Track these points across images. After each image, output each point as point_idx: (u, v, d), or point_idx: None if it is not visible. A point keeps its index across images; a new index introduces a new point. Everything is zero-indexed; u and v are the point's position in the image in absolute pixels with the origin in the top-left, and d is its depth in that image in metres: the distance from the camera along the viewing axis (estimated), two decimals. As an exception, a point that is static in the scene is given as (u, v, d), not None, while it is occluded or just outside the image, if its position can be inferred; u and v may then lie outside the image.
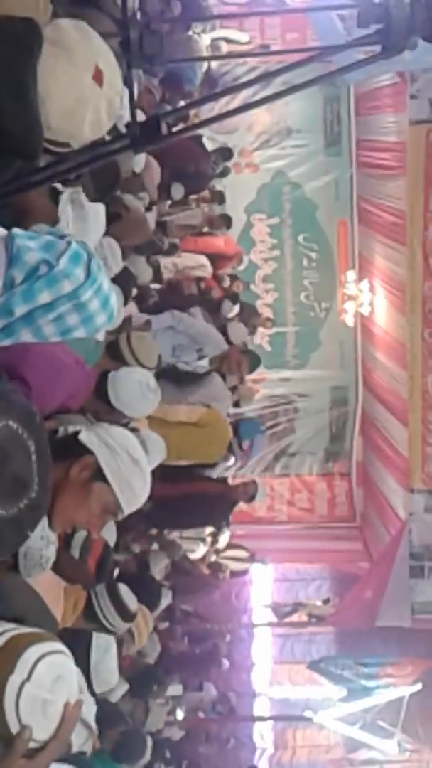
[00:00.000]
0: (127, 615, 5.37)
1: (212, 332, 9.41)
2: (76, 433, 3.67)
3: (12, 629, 2.46)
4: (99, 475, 3.57)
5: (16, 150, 2.65)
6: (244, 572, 16.77)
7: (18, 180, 2.84)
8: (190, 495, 7.88)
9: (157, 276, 10.24)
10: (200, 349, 9.06)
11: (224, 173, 14.14)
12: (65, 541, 5.14)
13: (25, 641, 2.36)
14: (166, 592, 9.14)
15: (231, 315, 12.14)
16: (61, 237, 2.93)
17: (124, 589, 5.45)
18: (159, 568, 8.96)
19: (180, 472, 6.94)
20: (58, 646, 2.43)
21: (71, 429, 4.00)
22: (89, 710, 4.48)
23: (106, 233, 5.56)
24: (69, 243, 2.87)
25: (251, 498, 9.52)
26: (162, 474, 5.73)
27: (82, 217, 4.47)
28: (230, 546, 15.64)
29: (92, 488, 3.56)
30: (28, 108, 2.67)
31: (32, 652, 2.34)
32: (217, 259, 13.33)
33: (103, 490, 3.56)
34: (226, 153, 14.23)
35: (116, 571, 7.50)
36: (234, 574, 16.02)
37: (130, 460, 3.64)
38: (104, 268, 5.85)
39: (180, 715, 13.07)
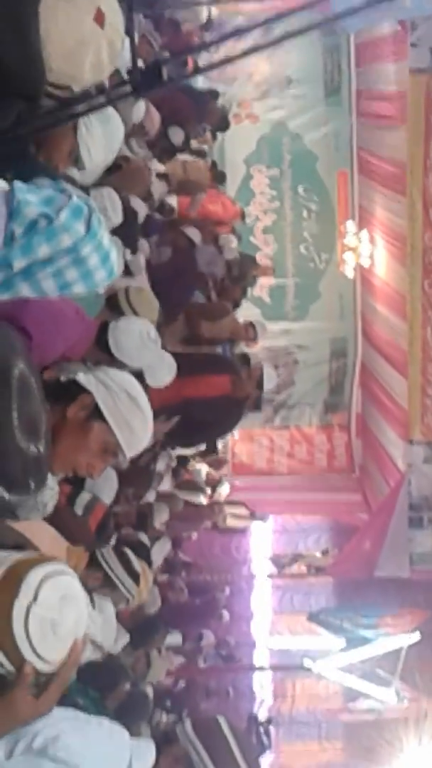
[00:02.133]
0: (137, 578, 5.48)
1: None
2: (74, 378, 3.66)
3: (12, 555, 2.46)
4: (97, 414, 3.54)
5: (19, 90, 2.62)
6: (244, 529, 16.85)
7: (20, 125, 2.82)
8: (192, 401, 7.74)
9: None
10: None
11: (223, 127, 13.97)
12: (69, 500, 5.17)
13: (27, 565, 2.36)
14: (165, 542, 9.17)
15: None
16: (63, 191, 2.92)
17: (132, 555, 5.53)
18: (160, 521, 8.98)
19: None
20: (61, 566, 2.43)
21: (71, 375, 4.00)
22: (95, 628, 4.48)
23: (106, 183, 5.53)
24: (70, 197, 2.86)
25: (259, 385, 9.36)
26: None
27: (103, 121, 4.45)
28: (230, 503, 15.71)
29: (90, 427, 3.53)
30: (29, 48, 2.65)
31: (35, 574, 2.34)
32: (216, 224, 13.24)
33: (102, 429, 3.53)
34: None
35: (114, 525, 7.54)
36: (234, 530, 16.12)
37: (128, 398, 3.61)
38: (104, 219, 5.85)
39: (178, 662, 13.16)
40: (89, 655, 4.07)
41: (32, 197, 2.82)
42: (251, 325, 10.04)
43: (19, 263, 2.77)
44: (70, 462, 3.55)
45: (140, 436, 3.65)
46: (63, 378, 3.82)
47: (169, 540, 9.39)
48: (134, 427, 3.59)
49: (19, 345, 2.04)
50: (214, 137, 13.93)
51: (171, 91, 9.44)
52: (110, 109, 4.25)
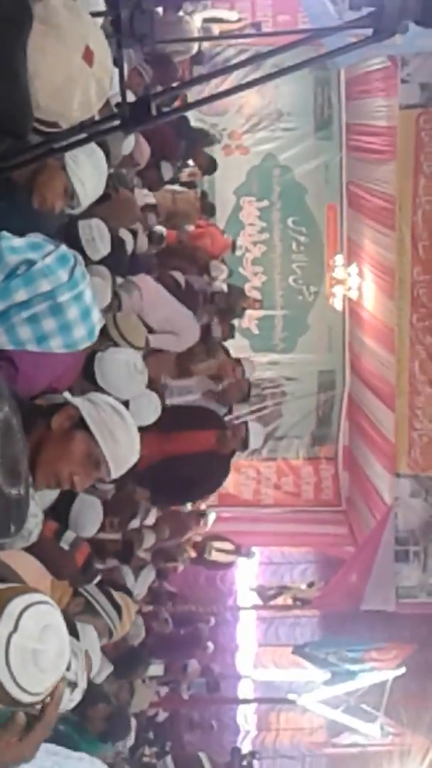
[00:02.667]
0: (119, 611, 5.51)
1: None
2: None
3: None
4: (81, 425, 3.55)
5: (5, 127, 2.63)
6: (229, 565, 16.79)
7: (8, 159, 2.82)
8: (176, 458, 7.73)
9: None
10: None
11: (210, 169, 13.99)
12: (56, 536, 5.16)
13: (7, 595, 2.34)
14: (149, 571, 9.13)
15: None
16: (52, 243, 2.92)
17: (113, 591, 5.55)
18: (146, 547, 8.94)
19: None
20: (42, 596, 2.41)
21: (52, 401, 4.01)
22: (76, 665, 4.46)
23: (94, 214, 5.55)
24: (58, 246, 2.86)
25: (244, 444, 9.24)
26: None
27: (88, 153, 4.48)
28: (216, 538, 15.67)
29: (73, 436, 3.55)
30: (17, 85, 2.66)
31: (16, 604, 2.31)
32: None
33: (85, 439, 3.55)
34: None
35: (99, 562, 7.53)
36: (220, 565, 16.07)
37: (112, 410, 3.63)
38: (92, 249, 5.85)
39: (163, 692, 13.10)
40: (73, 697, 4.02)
41: (18, 243, 2.82)
42: (238, 362, 9.98)
43: None
44: (53, 472, 3.53)
45: (125, 448, 3.64)
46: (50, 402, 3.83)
47: (153, 569, 9.35)
48: (118, 438, 3.58)
49: (3, 385, 2.04)
50: (204, 174, 13.96)
51: (158, 126, 9.49)
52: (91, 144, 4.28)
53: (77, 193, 4.63)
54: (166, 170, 10.12)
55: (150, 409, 6.11)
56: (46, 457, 3.50)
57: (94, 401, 3.66)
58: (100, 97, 2.99)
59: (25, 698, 2.31)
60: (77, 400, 3.63)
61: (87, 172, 4.61)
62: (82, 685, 3.63)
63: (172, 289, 9.27)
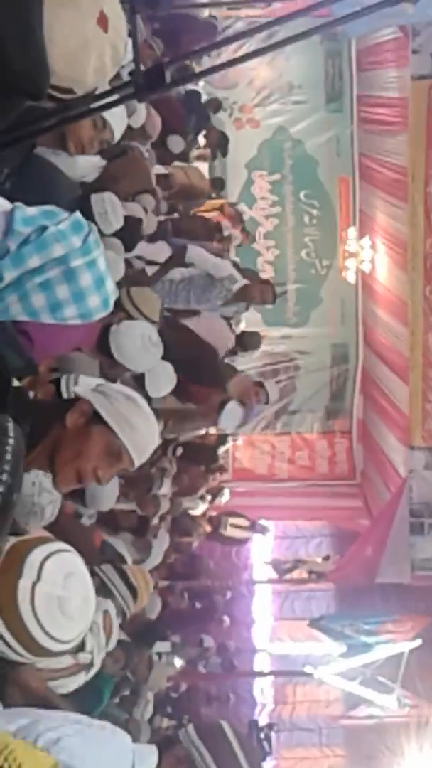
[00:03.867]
0: (135, 592, 5.50)
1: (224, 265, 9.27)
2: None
3: (11, 539, 2.44)
4: (96, 418, 3.52)
5: (23, 88, 2.60)
6: (244, 541, 16.81)
7: (24, 126, 2.80)
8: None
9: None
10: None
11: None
12: (76, 513, 5.16)
13: (28, 545, 2.34)
14: (163, 536, 9.10)
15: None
16: (68, 214, 2.91)
17: (130, 572, 5.56)
18: (161, 514, 8.93)
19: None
20: (62, 545, 2.41)
21: (72, 378, 4.00)
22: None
23: (109, 171, 5.53)
24: (72, 214, 2.84)
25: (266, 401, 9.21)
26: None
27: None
28: (231, 513, 15.68)
29: (91, 432, 3.51)
30: (34, 46, 2.63)
31: (37, 554, 2.32)
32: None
33: (103, 432, 3.51)
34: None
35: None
36: (235, 541, 16.09)
37: (126, 398, 3.60)
38: (105, 223, 5.84)
39: (178, 663, 13.13)
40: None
41: (32, 213, 2.80)
42: (260, 385, 9.68)
43: (9, 274, 2.74)
44: (75, 470, 3.50)
45: (144, 434, 3.61)
46: (63, 380, 3.82)
47: (167, 533, 9.32)
48: (136, 426, 3.55)
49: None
50: (214, 156, 13.89)
51: (167, 102, 9.45)
52: None
53: (108, 122, 4.68)
54: (175, 144, 10.06)
55: (165, 379, 6.10)
56: (66, 457, 3.48)
57: (106, 392, 3.62)
58: (114, 63, 2.96)
59: (56, 647, 2.31)
60: (89, 394, 3.59)
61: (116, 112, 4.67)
62: (99, 660, 3.63)
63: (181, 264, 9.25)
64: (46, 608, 2.29)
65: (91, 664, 3.43)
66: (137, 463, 3.59)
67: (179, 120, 10.46)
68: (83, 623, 2.38)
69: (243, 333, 11.12)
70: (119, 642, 7.37)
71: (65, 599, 2.32)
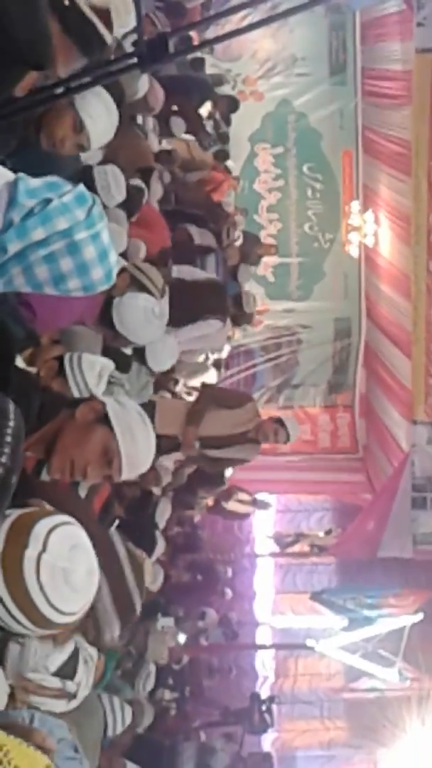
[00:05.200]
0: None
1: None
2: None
3: (15, 511, 2.45)
4: (104, 420, 3.60)
5: (26, 58, 2.60)
6: (246, 515, 16.85)
7: (28, 96, 2.80)
8: None
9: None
10: None
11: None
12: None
13: (33, 517, 2.36)
14: (165, 504, 9.10)
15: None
16: (71, 185, 2.90)
17: (131, 545, 5.55)
18: (162, 483, 8.92)
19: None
20: (67, 517, 2.43)
21: (75, 357, 4.02)
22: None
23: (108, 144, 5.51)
24: (76, 186, 2.84)
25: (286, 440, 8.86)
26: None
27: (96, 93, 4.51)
28: (233, 488, 15.70)
29: (95, 429, 3.60)
30: (36, 15, 2.62)
31: (42, 525, 2.34)
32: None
33: (106, 433, 3.59)
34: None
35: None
36: (236, 515, 16.12)
37: (137, 414, 3.70)
38: (107, 196, 5.83)
39: (181, 639, 13.18)
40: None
41: (35, 184, 2.80)
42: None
43: (13, 246, 2.74)
44: (69, 458, 3.57)
45: (142, 452, 3.70)
46: (67, 358, 3.85)
47: (169, 501, 9.32)
48: (138, 440, 3.64)
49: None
50: (228, 122, 13.86)
51: (174, 87, 9.43)
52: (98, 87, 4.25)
53: (87, 128, 4.63)
54: (177, 126, 10.06)
55: (167, 352, 6.11)
56: (65, 444, 3.56)
57: (121, 402, 3.72)
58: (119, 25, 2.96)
59: (59, 618, 2.32)
60: (105, 398, 3.71)
61: (97, 109, 4.60)
62: (82, 695, 3.63)
63: (185, 243, 9.23)
64: (50, 579, 2.30)
65: (74, 696, 3.44)
66: (124, 475, 3.67)
67: (183, 100, 10.47)
68: (87, 596, 2.40)
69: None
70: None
71: (70, 571, 2.34)
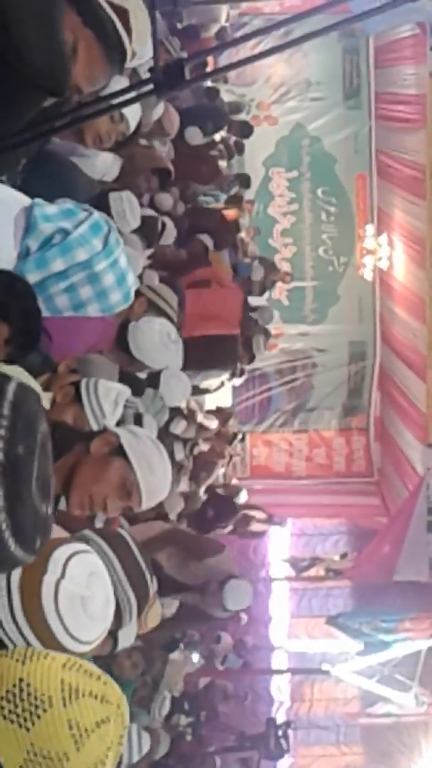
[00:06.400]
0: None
1: None
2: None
3: None
4: (119, 452, 3.62)
5: (43, 84, 2.60)
6: (261, 534, 16.81)
7: (44, 123, 2.81)
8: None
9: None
10: None
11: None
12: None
13: (53, 544, 2.35)
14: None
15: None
16: (85, 209, 2.92)
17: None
18: (175, 512, 8.91)
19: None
20: (85, 546, 2.42)
21: (92, 383, 4.03)
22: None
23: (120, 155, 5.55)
24: (91, 213, 2.86)
25: None
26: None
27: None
28: (248, 507, 15.67)
29: (111, 462, 3.61)
30: (53, 41, 2.63)
31: (61, 552, 2.33)
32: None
33: (122, 465, 3.61)
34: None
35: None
36: (252, 534, 16.07)
37: (152, 443, 3.73)
38: (122, 222, 5.85)
39: (196, 661, 13.14)
40: None
41: (51, 211, 2.82)
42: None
43: (33, 277, 2.77)
44: (87, 494, 3.59)
45: (159, 480, 3.71)
46: (84, 383, 3.87)
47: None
48: (155, 470, 3.66)
49: (39, 406, 2.04)
50: (240, 151, 13.87)
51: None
52: None
53: (125, 114, 4.70)
54: (192, 136, 10.02)
55: (180, 390, 6.12)
56: (82, 479, 3.57)
57: (135, 432, 3.74)
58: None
59: (76, 647, 2.31)
60: (118, 429, 3.72)
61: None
62: None
63: (201, 254, 9.25)
64: (69, 607, 2.29)
65: None
66: (144, 506, 3.69)
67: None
68: (103, 625, 2.39)
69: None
70: (138, 648, 7.38)
71: (88, 599, 2.33)
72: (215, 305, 8.43)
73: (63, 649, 2.28)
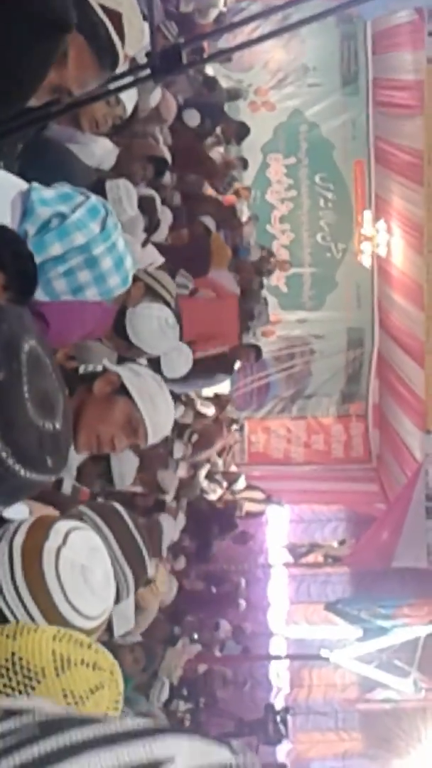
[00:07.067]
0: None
1: None
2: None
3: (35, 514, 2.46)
4: (122, 390, 3.66)
5: (49, 17, 2.54)
6: (260, 513, 16.84)
7: (42, 108, 2.80)
8: None
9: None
10: None
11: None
12: (55, 486, 5.17)
13: (53, 518, 2.35)
14: (180, 519, 9.10)
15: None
16: (81, 192, 2.92)
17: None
18: (170, 490, 8.92)
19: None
20: (83, 524, 2.42)
21: (90, 368, 4.04)
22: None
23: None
24: (88, 197, 2.86)
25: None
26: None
27: None
28: (246, 487, 15.70)
29: (116, 401, 3.66)
30: None
31: (62, 525, 2.33)
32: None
33: (127, 403, 3.65)
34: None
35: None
36: (250, 514, 16.09)
37: (153, 379, 3.79)
38: (119, 209, 5.84)
39: (195, 650, 13.16)
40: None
41: (48, 195, 2.83)
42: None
43: None
44: (94, 434, 3.64)
45: (163, 415, 3.75)
46: (82, 369, 3.88)
47: (184, 516, 9.34)
48: (157, 404, 3.70)
49: (34, 327, 2.00)
50: (239, 142, 13.84)
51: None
52: None
53: (121, 99, 4.71)
54: (191, 117, 10.00)
55: (182, 360, 6.11)
56: (88, 420, 3.61)
57: (136, 370, 3.80)
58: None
59: (78, 620, 2.28)
60: (118, 368, 3.73)
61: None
62: None
63: (203, 236, 9.26)
64: (70, 574, 2.28)
65: None
66: (150, 440, 3.74)
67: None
68: (103, 603, 2.37)
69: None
70: (140, 643, 7.39)
71: (88, 570, 2.31)
72: (210, 321, 8.49)
73: (65, 622, 2.26)
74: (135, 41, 3.04)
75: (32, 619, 2.25)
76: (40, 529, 2.28)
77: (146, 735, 1.76)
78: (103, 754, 1.66)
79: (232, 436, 14.75)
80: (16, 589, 2.25)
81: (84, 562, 2.30)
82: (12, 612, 2.25)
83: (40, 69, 2.55)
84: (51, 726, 1.70)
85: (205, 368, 8.00)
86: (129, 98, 4.84)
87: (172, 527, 8.25)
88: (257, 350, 11.72)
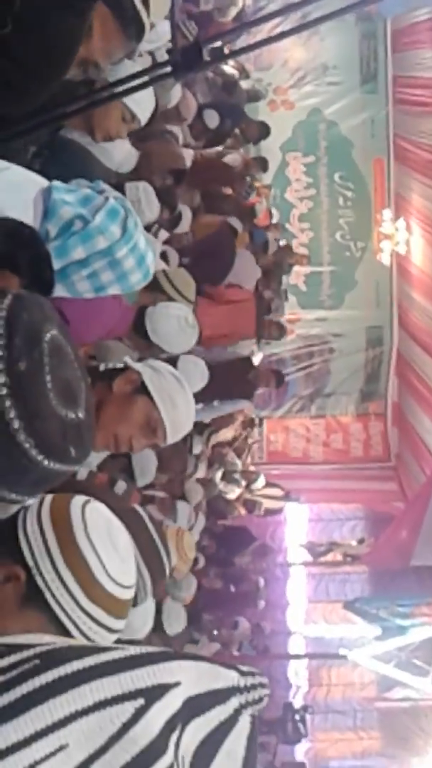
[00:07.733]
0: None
1: None
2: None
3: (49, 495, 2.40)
4: (142, 389, 3.61)
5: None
6: (279, 510, 16.82)
7: (62, 106, 2.80)
8: None
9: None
10: None
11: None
12: (110, 484, 5.18)
13: (70, 496, 2.30)
14: (200, 519, 9.11)
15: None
16: (101, 192, 2.92)
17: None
18: (195, 501, 8.94)
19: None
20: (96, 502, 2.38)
21: (111, 365, 4.03)
22: None
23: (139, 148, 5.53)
24: (107, 198, 2.86)
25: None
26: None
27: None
28: (265, 485, 15.69)
29: (135, 400, 3.60)
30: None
31: (80, 498, 2.27)
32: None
33: (146, 403, 3.60)
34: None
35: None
36: (269, 512, 16.08)
37: (173, 377, 3.71)
38: (137, 210, 5.86)
39: (214, 649, 13.17)
40: None
41: (69, 197, 2.83)
42: None
43: (54, 264, 2.78)
44: (113, 433, 3.59)
45: (183, 415, 3.70)
46: (102, 367, 3.86)
47: (203, 516, 9.33)
48: (177, 404, 3.65)
49: (55, 315, 1.99)
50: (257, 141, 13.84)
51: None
52: None
53: (137, 114, 4.68)
54: (210, 118, 9.97)
55: (198, 376, 6.11)
56: (106, 419, 3.56)
57: (156, 367, 3.71)
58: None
59: (107, 583, 2.19)
60: (139, 365, 3.69)
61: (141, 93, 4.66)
62: None
63: (230, 236, 9.26)
64: (96, 523, 2.18)
65: None
66: (169, 440, 3.69)
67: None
68: (131, 569, 2.28)
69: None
70: (158, 634, 7.38)
71: (115, 527, 2.25)
72: (227, 323, 8.50)
73: (97, 584, 2.17)
74: (160, 10, 3.03)
75: (66, 588, 2.17)
76: (62, 499, 2.24)
77: (151, 661, 1.74)
78: (106, 682, 1.66)
79: (251, 434, 14.75)
80: (48, 553, 2.18)
81: (110, 517, 2.25)
82: (46, 582, 2.17)
83: (73, 45, 2.55)
84: (52, 658, 1.69)
85: (227, 393, 8.04)
86: (144, 111, 4.80)
87: (186, 513, 8.27)
88: (278, 375, 11.72)
